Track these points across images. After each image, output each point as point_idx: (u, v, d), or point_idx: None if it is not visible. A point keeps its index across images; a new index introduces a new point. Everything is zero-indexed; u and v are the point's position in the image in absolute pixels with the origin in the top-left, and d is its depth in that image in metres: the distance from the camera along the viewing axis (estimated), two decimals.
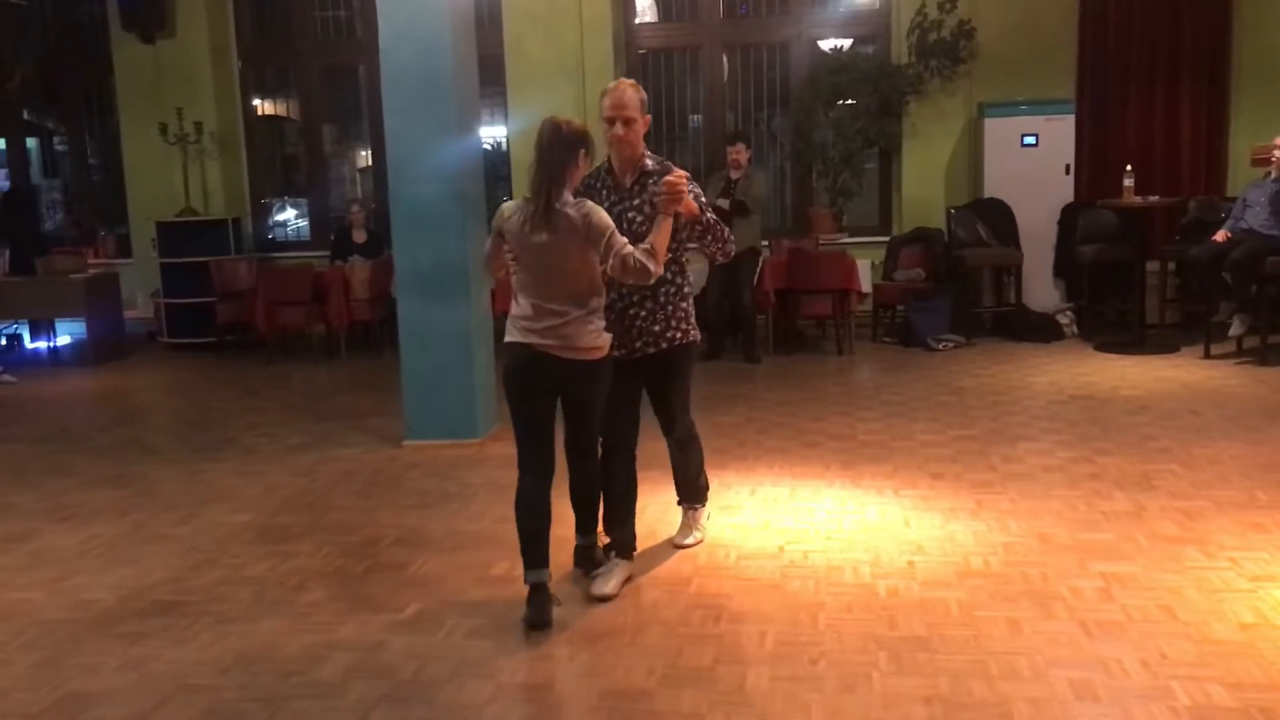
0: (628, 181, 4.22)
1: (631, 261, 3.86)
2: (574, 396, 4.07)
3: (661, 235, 3.95)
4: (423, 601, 4.24)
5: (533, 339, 3.93)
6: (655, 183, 4.10)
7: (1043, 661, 3.53)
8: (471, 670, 3.64)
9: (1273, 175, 8.15)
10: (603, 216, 3.89)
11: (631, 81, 4.25)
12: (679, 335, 4.32)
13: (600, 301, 4.00)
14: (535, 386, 4.00)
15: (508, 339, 4.02)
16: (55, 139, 12.68)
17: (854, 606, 4.03)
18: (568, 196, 3.88)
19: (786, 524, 4.97)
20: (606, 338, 4.02)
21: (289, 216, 12.17)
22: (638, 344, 4.25)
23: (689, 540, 4.71)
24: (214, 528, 5.23)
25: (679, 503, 4.79)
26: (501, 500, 5.43)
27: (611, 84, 4.26)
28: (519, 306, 3.99)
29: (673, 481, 4.77)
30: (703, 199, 4.22)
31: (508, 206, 4.00)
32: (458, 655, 3.77)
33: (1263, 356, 7.95)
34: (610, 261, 3.87)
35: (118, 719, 3.40)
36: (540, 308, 3.92)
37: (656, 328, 4.26)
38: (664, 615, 4.02)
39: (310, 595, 4.36)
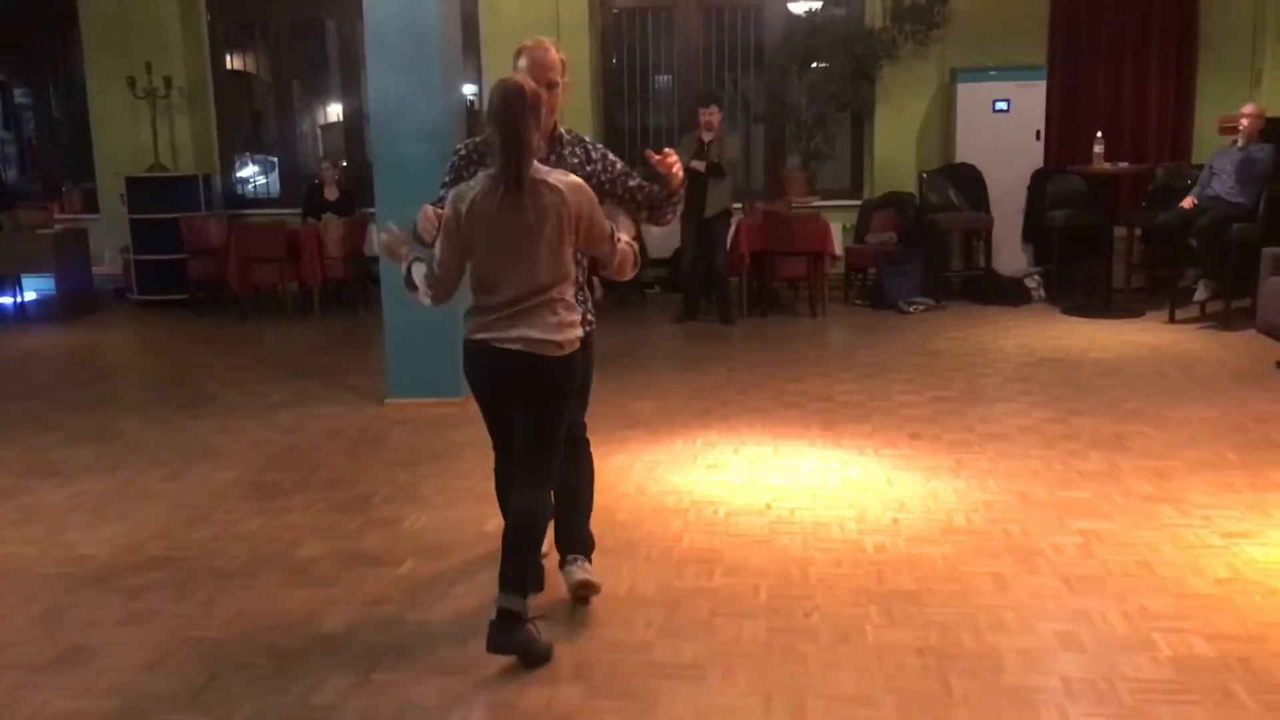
0: (543, 151, 3.61)
1: (630, 254, 3.53)
2: (532, 403, 3.49)
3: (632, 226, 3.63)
4: (419, 557, 4.31)
5: (492, 334, 3.43)
6: (573, 153, 3.71)
7: (1029, 614, 3.66)
8: (472, 623, 3.68)
9: (1239, 144, 8.31)
10: (589, 191, 3.47)
11: (552, 39, 3.78)
12: (593, 321, 3.80)
13: (572, 287, 3.51)
14: (497, 389, 3.55)
15: (466, 334, 3.52)
16: (16, 92, 12.44)
17: (843, 561, 4.14)
18: (538, 165, 3.40)
19: (772, 481, 5.07)
20: (576, 332, 3.49)
21: (257, 173, 12.06)
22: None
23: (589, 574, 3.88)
24: (203, 484, 5.25)
25: (569, 556, 3.94)
26: (489, 459, 5.47)
27: (529, 41, 3.72)
28: (479, 297, 3.47)
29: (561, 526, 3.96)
30: (633, 176, 3.83)
31: (468, 189, 3.41)
32: (458, 609, 3.84)
33: (1225, 321, 8.13)
34: (604, 248, 3.48)
35: (126, 670, 3.44)
36: (506, 298, 3.41)
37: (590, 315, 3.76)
38: (658, 570, 4.11)
39: (306, 551, 4.40)
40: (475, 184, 3.41)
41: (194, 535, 4.60)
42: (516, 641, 3.39)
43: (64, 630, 3.74)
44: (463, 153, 3.73)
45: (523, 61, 3.66)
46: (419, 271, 3.54)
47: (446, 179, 3.71)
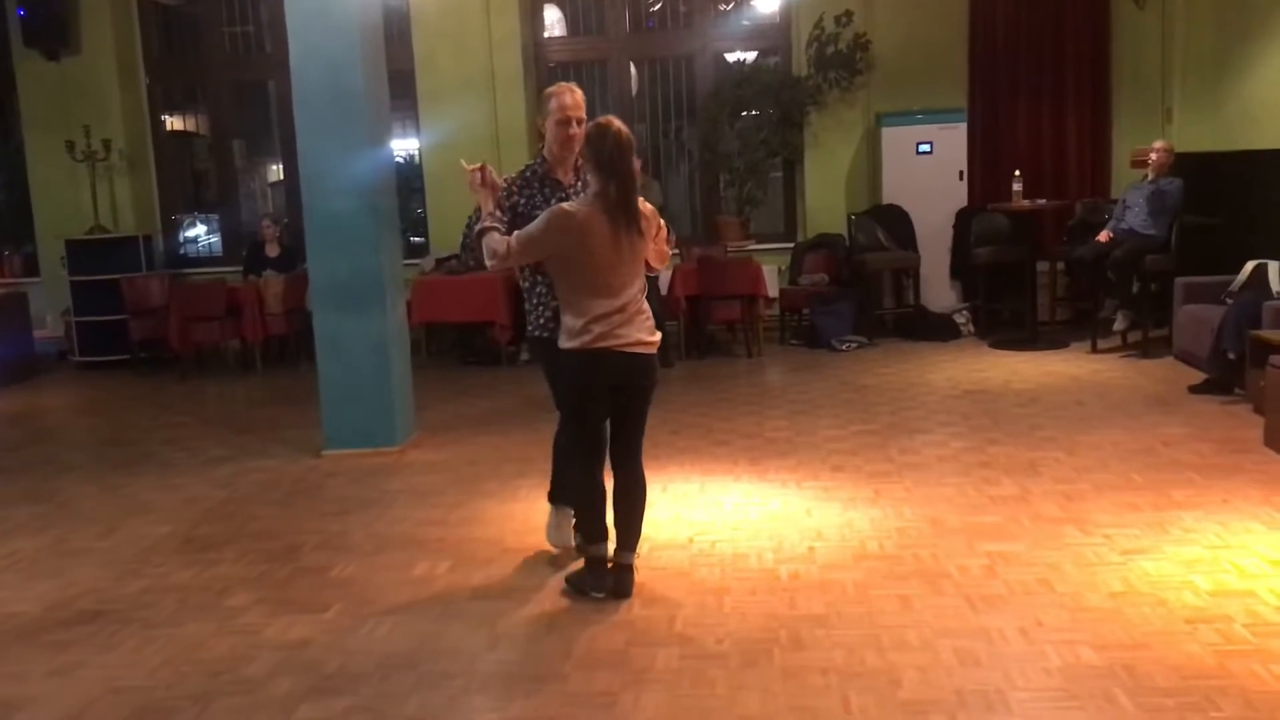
0: (570, 178, 4.44)
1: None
2: (642, 391, 4.28)
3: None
4: (345, 602, 4.39)
5: (610, 342, 4.10)
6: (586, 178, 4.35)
7: (930, 633, 3.81)
8: (394, 662, 3.80)
9: (1150, 177, 8.62)
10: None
11: (573, 83, 4.48)
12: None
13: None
14: (610, 384, 4.20)
15: (584, 344, 4.10)
16: None
17: (757, 590, 4.28)
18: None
19: (696, 517, 5.21)
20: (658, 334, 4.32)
21: (200, 232, 12.14)
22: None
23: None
24: (136, 540, 5.31)
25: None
26: (422, 505, 5.62)
27: (560, 86, 4.42)
28: (593, 307, 4.09)
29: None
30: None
31: (575, 209, 4.08)
32: (381, 650, 3.93)
33: (1144, 349, 8.40)
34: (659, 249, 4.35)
35: None
36: (620, 304, 4.11)
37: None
38: (578, 604, 4.23)
39: (234, 600, 4.47)
40: (580, 206, 4.10)
41: (124, 589, 4.66)
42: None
43: None
44: (525, 179, 4.44)
45: (559, 102, 4.33)
46: (490, 238, 4.17)
47: (507, 197, 4.41)
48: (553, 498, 4.84)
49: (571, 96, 4.34)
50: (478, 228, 4.27)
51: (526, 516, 5.31)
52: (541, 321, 4.47)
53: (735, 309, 9.45)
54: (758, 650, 3.73)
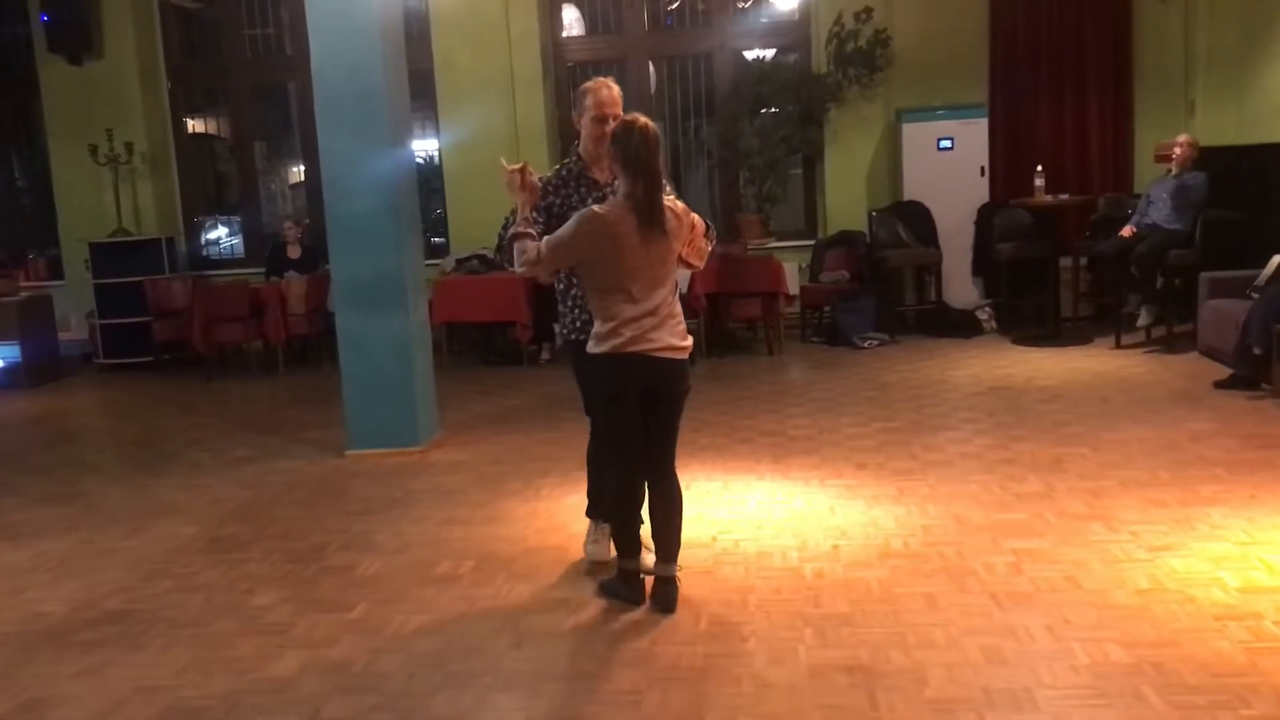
0: (607, 176, 4.23)
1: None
2: (675, 399, 4.16)
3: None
4: (370, 601, 4.41)
5: (641, 346, 3.95)
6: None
7: (956, 631, 3.79)
8: (420, 661, 3.81)
9: (1174, 172, 8.56)
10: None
11: (611, 77, 4.33)
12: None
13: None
14: (642, 391, 4.05)
15: (614, 348, 3.96)
16: None
17: (782, 588, 4.27)
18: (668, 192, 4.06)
19: (719, 515, 5.20)
20: (690, 338, 4.17)
21: (222, 234, 12.20)
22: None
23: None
24: (162, 540, 5.34)
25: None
26: (445, 504, 5.64)
27: (596, 81, 4.26)
28: (623, 310, 3.95)
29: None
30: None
31: (604, 211, 3.92)
32: (406, 649, 3.94)
33: (1168, 345, 8.34)
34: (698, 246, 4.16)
35: (79, 719, 3.53)
36: (648, 308, 3.96)
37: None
38: (603, 604, 4.23)
39: (261, 599, 4.50)
40: (612, 207, 3.95)
41: (151, 589, 4.69)
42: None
43: (19, 684, 3.82)
44: (561, 178, 4.32)
45: (597, 98, 4.19)
46: (522, 243, 4.03)
47: (542, 197, 4.26)
48: (590, 512, 4.72)
49: (609, 92, 4.20)
50: (511, 231, 4.11)
51: (550, 515, 5.32)
52: (578, 325, 4.35)
53: (756, 306, 9.45)
54: (783, 648, 3.72)
